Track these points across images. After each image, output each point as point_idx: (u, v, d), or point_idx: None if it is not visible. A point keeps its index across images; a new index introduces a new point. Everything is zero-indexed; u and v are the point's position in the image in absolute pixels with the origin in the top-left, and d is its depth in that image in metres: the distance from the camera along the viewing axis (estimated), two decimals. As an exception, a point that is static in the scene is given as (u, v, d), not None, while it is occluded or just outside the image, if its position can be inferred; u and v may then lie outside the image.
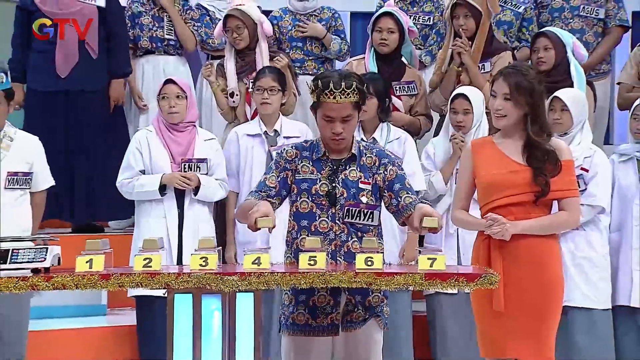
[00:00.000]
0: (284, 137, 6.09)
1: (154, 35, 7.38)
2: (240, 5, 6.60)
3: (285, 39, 7.25)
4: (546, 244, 4.42)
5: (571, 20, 7.31)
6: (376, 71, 6.36)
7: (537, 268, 4.38)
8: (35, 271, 3.79)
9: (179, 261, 5.85)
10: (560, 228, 4.55)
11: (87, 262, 3.78)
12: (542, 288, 4.37)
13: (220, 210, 6.35)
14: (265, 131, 6.16)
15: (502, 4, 7.22)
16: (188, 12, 7.46)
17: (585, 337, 5.71)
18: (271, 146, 6.07)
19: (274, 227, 3.97)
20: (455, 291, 5.33)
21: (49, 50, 6.86)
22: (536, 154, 4.38)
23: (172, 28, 7.37)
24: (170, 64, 7.43)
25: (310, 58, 7.30)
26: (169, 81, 6.08)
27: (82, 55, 6.90)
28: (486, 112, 6.12)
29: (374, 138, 5.93)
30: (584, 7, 7.32)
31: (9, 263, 3.76)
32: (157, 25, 7.38)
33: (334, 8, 7.45)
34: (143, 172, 6.02)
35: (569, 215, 4.44)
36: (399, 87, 6.48)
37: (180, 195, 6.00)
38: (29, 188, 5.60)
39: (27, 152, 5.61)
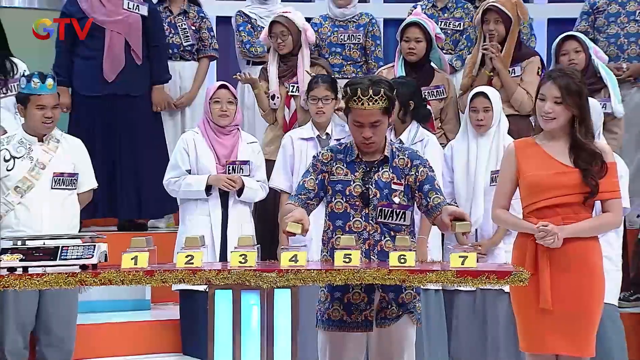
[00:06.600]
0: (335, 139, 6.20)
1: (171, 41, 7.48)
2: (286, 12, 6.74)
3: (324, 45, 7.35)
4: (591, 244, 4.42)
5: (627, 25, 7.32)
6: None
7: (582, 267, 4.38)
8: (83, 267, 3.87)
9: (223, 258, 5.95)
10: (605, 229, 4.57)
11: (132, 259, 3.87)
12: (585, 286, 4.38)
13: (261, 209, 6.47)
14: (318, 135, 6.30)
15: None
16: (204, 20, 7.56)
17: (607, 331, 5.68)
18: None
19: (306, 231, 4.05)
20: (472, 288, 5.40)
21: (96, 56, 7.00)
22: (583, 156, 4.36)
23: (188, 34, 7.47)
24: (186, 69, 7.56)
25: (349, 63, 7.39)
26: (222, 86, 6.20)
27: (128, 61, 7.04)
28: (507, 115, 6.18)
29: (400, 139, 6.01)
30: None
31: (59, 260, 3.85)
32: (173, 32, 7.49)
33: (372, 14, 7.54)
34: (189, 171, 6.15)
35: (613, 216, 4.43)
36: (428, 92, 6.53)
37: (224, 196, 6.12)
38: (75, 188, 5.71)
39: (72, 153, 5.73)
